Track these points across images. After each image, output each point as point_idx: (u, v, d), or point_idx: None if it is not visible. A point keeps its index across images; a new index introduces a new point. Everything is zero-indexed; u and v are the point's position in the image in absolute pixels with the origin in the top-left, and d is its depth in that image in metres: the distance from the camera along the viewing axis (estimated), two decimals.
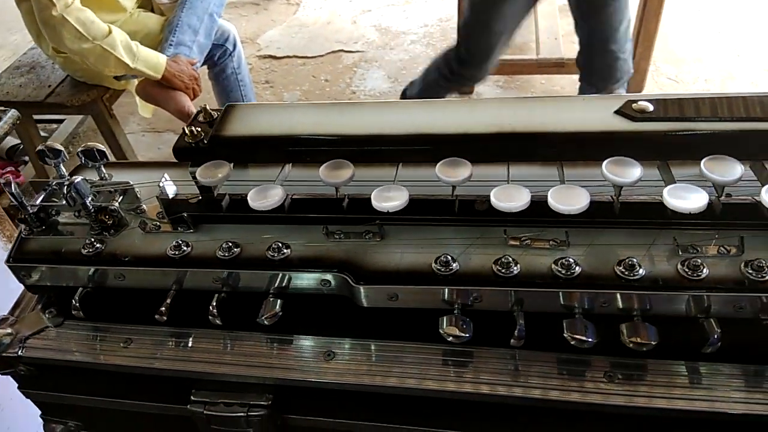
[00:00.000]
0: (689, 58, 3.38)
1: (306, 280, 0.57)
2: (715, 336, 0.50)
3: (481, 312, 0.55)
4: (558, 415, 0.55)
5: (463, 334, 0.54)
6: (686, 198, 0.50)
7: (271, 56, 4.22)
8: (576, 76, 3.45)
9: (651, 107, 0.55)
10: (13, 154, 2.61)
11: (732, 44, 3.35)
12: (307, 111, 0.61)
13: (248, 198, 0.56)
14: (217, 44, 2.48)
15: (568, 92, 3.38)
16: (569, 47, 3.25)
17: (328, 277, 0.56)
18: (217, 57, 2.58)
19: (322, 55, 4.13)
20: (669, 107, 0.55)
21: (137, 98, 2.28)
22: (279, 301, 0.57)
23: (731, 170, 0.52)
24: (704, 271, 0.51)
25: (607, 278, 0.52)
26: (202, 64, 2.46)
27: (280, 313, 0.57)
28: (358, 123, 0.59)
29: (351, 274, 0.55)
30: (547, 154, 0.56)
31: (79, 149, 0.62)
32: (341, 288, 0.56)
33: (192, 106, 2.19)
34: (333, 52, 3.98)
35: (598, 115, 0.56)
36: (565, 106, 0.58)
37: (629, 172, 0.53)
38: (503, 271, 0.53)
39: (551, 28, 3.25)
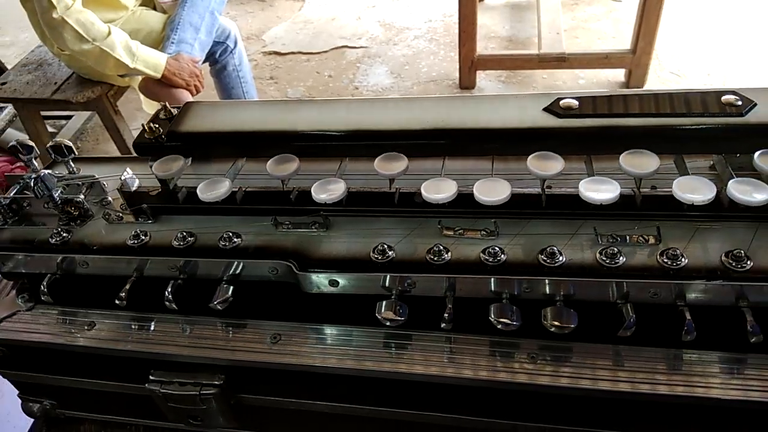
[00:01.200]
0: (693, 52, 3.36)
1: (255, 267, 0.61)
2: (631, 320, 0.54)
3: (418, 298, 0.59)
4: (487, 394, 0.59)
5: (398, 318, 0.57)
6: (600, 190, 0.53)
7: (275, 52, 4.27)
8: (577, 71, 3.45)
9: (576, 104, 0.58)
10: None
11: (736, 37, 3.33)
12: (260, 108, 0.65)
13: (197, 190, 0.60)
14: (218, 42, 2.52)
15: (569, 87, 3.39)
16: (571, 42, 3.26)
17: (276, 264, 0.60)
18: (219, 54, 2.62)
19: (326, 51, 4.17)
20: (595, 104, 0.58)
21: (141, 95, 2.33)
22: (231, 287, 0.61)
23: (648, 164, 0.55)
24: (621, 259, 0.54)
25: (531, 266, 0.56)
26: (204, 62, 2.51)
27: (231, 299, 0.61)
28: (305, 120, 0.62)
29: (296, 262, 0.59)
30: (479, 149, 0.60)
31: (48, 145, 0.67)
32: (288, 275, 0.60)
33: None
34: (337, 48, 4.01)
35: (528, 112, 0.59)
36: (499, 104, 0.61)
37: (552, 166, 0.56)
38: (435, 258, 0.57)
39: (553, 23, 3.26)
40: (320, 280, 0.59)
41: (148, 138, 0.64)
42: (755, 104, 0.56)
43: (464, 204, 0.58)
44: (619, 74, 3.19)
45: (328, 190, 0.58)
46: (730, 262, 0.53)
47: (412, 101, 0.62)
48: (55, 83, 2.47)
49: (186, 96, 2.25)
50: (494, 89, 3.48)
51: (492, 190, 0.55)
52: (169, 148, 0.63)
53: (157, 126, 0.64)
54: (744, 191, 0.51)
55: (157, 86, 2.24)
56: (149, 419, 0.72)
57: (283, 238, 0.61)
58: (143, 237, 0.63)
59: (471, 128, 0.58)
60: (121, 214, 0.66)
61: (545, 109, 0.59)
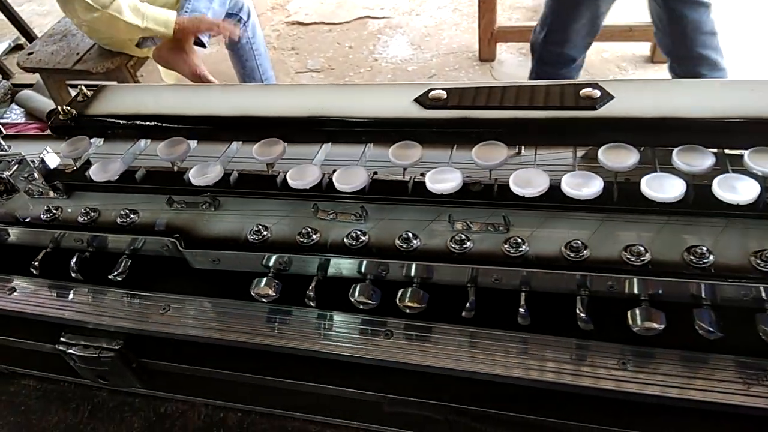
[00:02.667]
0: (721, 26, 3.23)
1: (149, 243, 0.68)
2: (472, 302, 0.58)
3: (292, 276, 0.64)
4: (353, 367, 0.64)
5: (272, 295, 0.63)
6: (443, 181, 0.57)
7: (298, 22, 4.31)
8: (602, 44, 3.37)
9: (444, 95, 0.62)
10: None
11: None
12: (164, 93, 0.70)
13: (90, 171, 0.66)
14: (231, 13, 2.58)
15: (592, 62, 3.32)
16: None
17: (166, 241, 0.66)
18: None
19: (348, 22, 4.18)
20: (461, 96, 0.61)
21: (159, 66, 2.40)
22: (129, 261, 0.68)
23: (496, 155, 0.58)
24: (468, 245, 0.58)
25: (389, 249, 0.60)
26: (216, 35, 2.57)
27: (128, 272, 0.68)
28: (199, 105, 0.68)
29: (183, 239, 0.65)
30: (351, 137, 0.64)
31: None
32: (178, 252, 0.67)
33: (205, 70, 2.30)
34: (359, 18, 4.02)
35: (399, 102, 0.63)
36: (375, 94, 0.65)
37: (411, 155, 0.60)
38: (305, 240, 0.62)
39: None
40: (204, 258, 0.65)
41: (63, 119, 0.71)
42: (612, 98, 0.58)
43: (335, 189, 0.62)
44: (644, 48, 3.12)
45: (205, 174, 0.63)
46: (569, 253, 0.56)
47: (296, 88, 0.66)
48: (78, 54, 2.57)
49: (197, 62, 2.30)
50: (514, 62, 3.45)
51: (349, 177, 0.59)
52: (77, 130, 0.69)
53: (69, 108, 0.71)
54: (574, 185, 0.54)
55: (170, 53, 2.29)
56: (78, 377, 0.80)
57: (174, 217, 0.67)
58: (54, 212, 0.70)
59: (343, 117, 0.62)
60: (41, 190, 0.73)
61: (415, 100, 0.62)
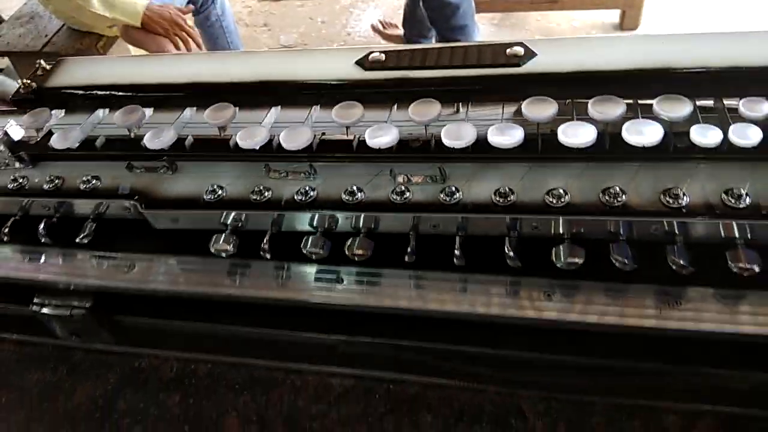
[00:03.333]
0: None
1: (112, 207, 0.72)
2: (413, 247, 0.63)
3: (250, 231, 0.69)
4: (309, 313, 0.69)
5: (231, 249, 0.68)
6: (381, 135, 0.62)
7: None
8: (571, 12, 3.43)
9: (383, 58, 0.66)
10: None
11: None
12: (117, 64, 0.74)
13: (51, 140, 0.71)
14: None
15: (562, 30, 3.37)
16: None
17: (128, 204, 0.71)
18: (200, 5, 2.69)
19: None
20: (398, 58, 0.66)
21: (129, 45, 2.42)
22: (94, 224, 0.73)
23: (431, 111, 0.63)
24: (408, 195, 0.64)
25: (335, 202, 0.65)
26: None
27: (93, 234, 0.72)
28: (153, 74, 0.72)
29: (143, 202, 0.70)
30: (298, 100, 0.69)
31: None
32: (139, 213, 0.71)
33: (173, 50, 2.32)
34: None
35: (341, 65, 0.67)
36: (321, 58, 0.70)
37: (352, 114, 0.65)
38: (257, 198, 0.67)
39: None
40: (163, 218, 0.70)
41: (24, 93, 0.75)
42: (536, 55, 0.63)
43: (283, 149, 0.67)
44: (613, 15, 3.17)
45: (159, 138, 0.67)
46: (498, 198, 0.61)
47: (246, 55, 0.71)
48: (46, 36, 2.56)
49: (165, 43, 2.32)
50: (486, 32, 3.48)
51: (295, 137, 0.64)
52: (38, 103, 0.73)
53: (29, 82, 0.75)
54: (498, 136, 0.60)
55: (138, 32, 2.31)
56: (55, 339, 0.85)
57: (134, 181, 0.72)
58: (21, 181, 0.74)
59: (288, 80, 0.67)
60: (7, 161, 0.77)
61: (356, 62, 0.67)
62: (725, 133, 0.55)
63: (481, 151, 0.61)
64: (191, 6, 2.39)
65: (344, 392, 0.78)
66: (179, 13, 2.29)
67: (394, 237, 0.66)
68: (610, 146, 0.59)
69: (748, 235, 0.57)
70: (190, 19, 2.30)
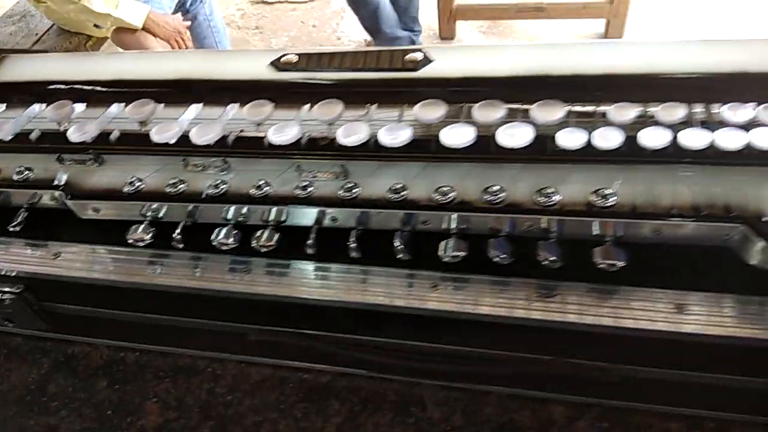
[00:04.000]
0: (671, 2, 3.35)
1: (43, 198, 0.78)
2: (314, 239, 0.68)
3: (166, 223, 0.75)
4: (222, 302, 0.74)
5: (147, 239, 0.73)
6: (284, 134, 0.67)
7: (263, 1, 4.37)
8: (557, 21, 3.49)
9: (296, 59, 0.72)
10: None
11: None
12: (51, 61, 0.80)
13: None
14: None
15: (548, 37, 3.42)
16: None
17: (56, 194, 0.77)
18: (189, 4, 2.76)
19: (312, 0, 4.25)
20: (310, 60, 0.71)
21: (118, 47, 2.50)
22: (26, 213, 0.78)
23: (333, 111, 0.68)
24: (311, 190, 0.69)
25: (244, 195, 0.71)
26: (174, 12, 2.66)
27: (24, 223, 0.78)
28: (82, 71, 0.77)
29: (68, 192, 0.75)
30: (214, 98, 0.74)
31: None
32: (64, 204, 0.77)
33: None
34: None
35: (256, 66, 0.73)
36: (240, 58, 0.75)
37: (262, 112, 0.70)
38: (172, 190, 0.72)
39: None
40: (85, 208, 0.75)
41: None
42: (432, 61, 0.68)
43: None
44: (599, 25, 3.22)
45: (83, 131, 0.73)
46: (392, 195, 0.66)
47: (170, 54, 0.76)
48: (36, 34, 2.63)
49: (155, 48, 2.40)
50: (474, 40, 3.54)
51: (205, 133, 0.70)
52: None
53: None
54: (389, 136, 0.65)
55: (128, 36, 2.39)
56: None
57: (63, 173, 0.77)
58: None
59: (204, 79, 0.72)
60: None
61: (271, 63, 0.73)
62: (590, 137, 0.60)
63: (374, 150, 0.66)
64: (170, 5, 2.46)
65: (261, 381, 0.83)
66: (183, 23, 2.38)
67: (300, 230, 0.71)
68: (488, 148, 0.64)
69: (617, 233, 0.62)
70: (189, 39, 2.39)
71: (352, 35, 3.89)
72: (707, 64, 0.61)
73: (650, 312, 0.61)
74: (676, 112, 0.61)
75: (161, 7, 2.46)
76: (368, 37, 3.51)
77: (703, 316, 0.60)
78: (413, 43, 3.08)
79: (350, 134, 0.66)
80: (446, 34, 3.51)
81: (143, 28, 2.34)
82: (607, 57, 0.64)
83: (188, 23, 2.56)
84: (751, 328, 0.59)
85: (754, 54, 0.61)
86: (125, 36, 2.40)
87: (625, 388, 0.68)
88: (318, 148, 0.69)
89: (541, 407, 0.73)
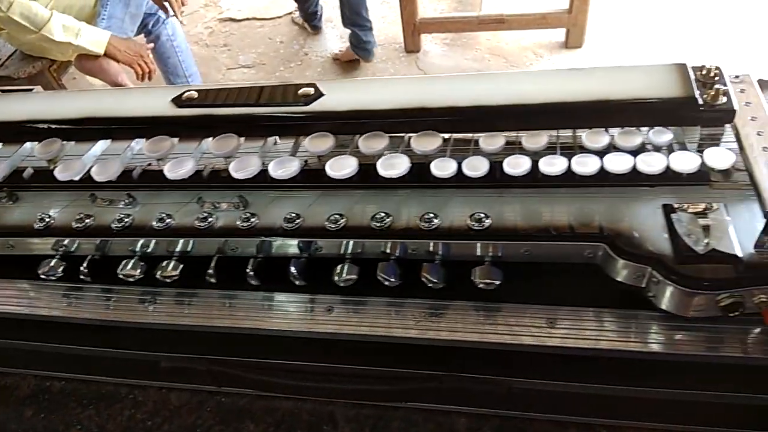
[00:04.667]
0: (632, 11, 3.43)
1: None
2: (213, 269, 0.72)
3: (77, 256, 0.78)
4: (131, 332, 0.78)
5: (58, 273, 0.77)
6: (180, 168, 0.71)
7: (231, 19, 4.41)
8: (520, 32, 3.56)
9: (196, 95, 0.76)
10: None
11: None
12: None
13: None
14: (149, 13, 2.70)
15: (511, 49, 3.49)
16: (510, 3, 3.35)
17: None
18: (151, 25, 2.79)
19: (280, 17, 4.30)
20: (208, 95, 0.76)
21: None
22: None
23: (229, 145, 0.72)
24: (211, 221, 0.73)
25: (147, 228, 0.74)
26: (137, 34, 2.70)
27: None
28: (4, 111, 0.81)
29: None
30: (119, 134, 0.78)
31: None
32: None
33: (125, 78, 2.43)
34: (291, 13, 4.14)
35: (158, 102, 0.77)
36: (143, 95, 0.79)
37: (162, 147, 0.74)
38: (79, 225, 0.76)
39: None
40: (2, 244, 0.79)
41: None
42: (323, 95, 0.73)
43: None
44: (559, 35, 3.29)
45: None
46: (287, 224, 0.70)
47: (78, 94, 0.80)
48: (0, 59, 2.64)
49: (117, 72, 2.43)
50: (439, 52, 3.60)
51: (106, 169, 0.73)
52: None
53: None
54: (278, 168, 0.69)
55: (89, 62, 2.42)
56: None
57: None
58: None
59: (108, 117, 0.76)
60: None
61: (172, 100, 0.77)
62: (459, 166, 0.65)
63: (265, 182, 0.70)
64: (132, 29, 2.50)
65: (179, 406, 0.86)
66: (144, 45, 2.41)
67: (203, 259, 0.75)
68: (370, 177, 0.68)
69: (494, 254, 0.66)
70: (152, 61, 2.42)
71: (320, 51, 3.94)
72: (572, 93, 0.65)
73: (525, 327, 0.65)
74: (540, 139, 0.65)
75: (123, 31, 2.50)
76: (336, 51, 3.57)
77: (572, 330, 0.64)
78: (360, 39, 3.11)
79: (242, 168, 0.70)
80: (411, 47, 3.56)
81: (105, 54, 2.37)
82: (482, 89, 0.68)
83: (151, 45, 2.61)
84: (617, 341, 0.63)
85: (615, 82, 0.66)
86: (87, 63, 2.43)
87: (519, 399, 0.72)
88: (214, 180, 0.73)
89: (445, 419, 0.77)
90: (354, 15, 3.08)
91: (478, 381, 0.69)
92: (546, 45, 3.39)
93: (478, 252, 0.66)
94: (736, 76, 0.67)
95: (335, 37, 3.86)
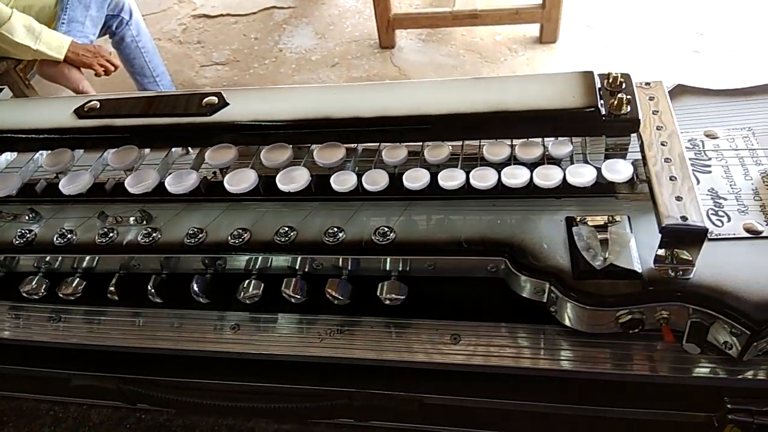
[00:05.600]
0: (606, 4, 3.41)
1: None
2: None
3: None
4: (41, 351, 0.76)
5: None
6: (76, 182, 0.69)
7: (205, 15, 4.37)
8: (494, 27, 3.54)
9: (98, 105, 0.74)
10: None
11: None
12: None
13: None
14: (112, 15, 2.66)
15: (486, 44, 3.47)
16: None
17: None
18: (115, 27, 2.75)
19: (254, 12, 4.26)
20: (110, 106, 0.73)
21: None
22: None
23: (128, 157, 0.70)
24: (112, 236, 0.70)
25: (46, 244, 0.72)
26: (100, 36, 2.66)
27: None
28: None
29: None
30: (22, 147, 0.76)
31: None
32: None
33: (87, 85, 2.40)
34: (265, 8, 4.10)
35: (61, 113, 0.74)
36: (48, 106, 0.77)
37: (60, 160, 0.72)
38: (20, 241, 0.73)
39: None
40: None
41: None
42: (227, 105, 0.70)
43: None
44: (534, 29, 3.27)
45: None
46: (189, 240, 0.68)
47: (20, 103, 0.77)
48: None
49: (78, 78, 2.40)
50: (413, 48, 3.58)
51: (4, 183, 0.71)
52: None
53: None
54: (173, 182, 0.67)
55: (51, 68, 2.39)
56: None
57: None
58: None
59: (13, 128, 0.74)
60: None
61: (75, 110, 0.74)
62: (359, 178, 0.63)
63: (162, 196, 0.68)
64: (94, 32, 2.46)
65: (100, 423, 0.84)
66: (104, 48, 2.38)
67: (102, 276, 0.73)
68: (273, 191, 0.66)
69: (400, 269, 0.65)
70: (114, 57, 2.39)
71: (294, 47, 3.91)
72: (475, 103, 0.63)
73: (430, 344, 0.63)
74: (442, 151, 0.64)
75: (84, 34, 2.46)
76: (310, 47, 3.53)
77: (478, 346, 0.62)
78: None
79: (139, 182, 0.68)
80: (386, 43, 3.54)
81: (65, 60, 2.34)
82: (386, 99, 0.66)
83: (111, 50, 2.55)
84: (522, 358, 0.61)
85: (521, 92, 0.64)
86: (49, 68, 2.40)
87: (432, 413, 0.70)
88: (116, 194, 0.71)
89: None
90: None
91: (386, 398, 0.67)
92: (521, 40, 3.37)
93: (388, 267, 0.65)
94: (647, 83, 0.66)
95: (310, 33, 3.83)
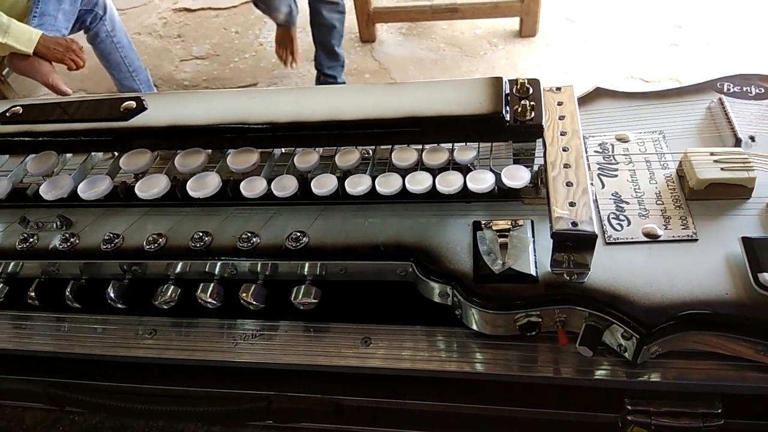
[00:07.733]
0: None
1: None
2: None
3: None
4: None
5: None
6: None
7: (185, 9, 4.36)
8: (475, 21, 3.54)
9: (21, 111, 0.74)
10: None
11: None
12: None
13: None
14: (85, 9, 2.65)
15: (467, 38, 3.48)
16: None
17: None
18: (89, 22, 2.74)
19: (235, 6, 4.26)
20: (33, 111, 0.74)
21: None
22: None
23: (46, 163, 0.71)
24: (33, 241, 0.71)
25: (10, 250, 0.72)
26: (75, 31, 2.65)
27: None
28: None
29: None
30: None
31: None
32: None
33: (58, 79, 2.39)
34: (246, 2, 4.09)
35: None
36: None
37: None
38: None
39: None
40: None
41: None
42: (146, 110, 0.71)
43: None
44: (514, 23, 3.27)
45: None
46: (105, 245, 0.69)
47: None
48: None
49: (48, 72, 2.39)
50: (394, 42, 3.58)
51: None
52: None
53: None
54: (87, 188, 0.68)
55: (21, 62, 2.38)
56: None
57: None
58: None
59: None
60: None
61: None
62: (269, 183, 0.64)
63: (74, 201, 0.69)
64: (66, 26, 2.45)
65: (34, 425, 0.85)
66: (74, 41, 2.37)
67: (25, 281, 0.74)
68: (182, 195, 0.67)
69: (314, 273, 0.66)
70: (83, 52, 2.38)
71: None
72: (383, 109, 0.63)
73: (343, 347, 0.64)
74: (351, 157, 0.64)
75: (56, 29, 2.45)
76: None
77: (389, 350, 0.63)
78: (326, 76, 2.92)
79: (54, 188, 0.69)
80: (367, 37, 3.53)
81: (35, 54, 2.33)
82: (300, 104, 0.66)
83: (81, 45, 2.53)
84: (432, 360, 0.62)
85: (428, 98, 0.64)
86: (19, 62, 2.39)
87: (352, 415, 0.71)
88: (36, 200, 0.72)
89: None
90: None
91: (305, 400, 0.69)
92: (501, 34, 3.38)
93: (305, 271, 0.66)
94: (558, 88, 0.66)
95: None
